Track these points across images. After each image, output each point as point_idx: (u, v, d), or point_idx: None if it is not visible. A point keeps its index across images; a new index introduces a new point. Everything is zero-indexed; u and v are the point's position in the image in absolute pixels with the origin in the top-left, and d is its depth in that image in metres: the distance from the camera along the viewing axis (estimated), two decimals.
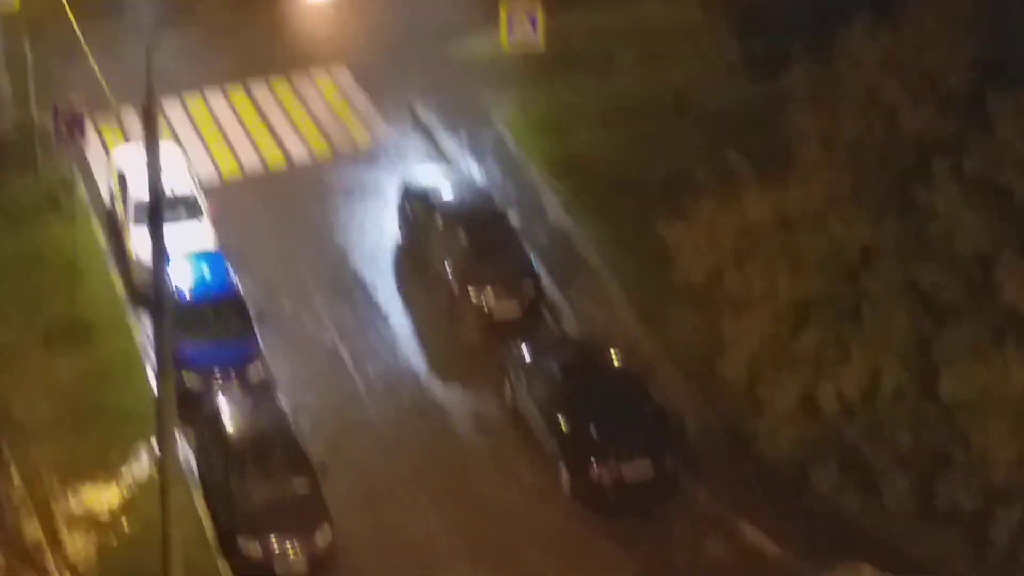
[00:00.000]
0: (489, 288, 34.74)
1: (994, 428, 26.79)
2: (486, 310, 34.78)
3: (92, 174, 38.88)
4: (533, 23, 38.44)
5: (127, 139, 39.12)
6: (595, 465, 30.10)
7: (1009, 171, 27.81)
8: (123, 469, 30.79)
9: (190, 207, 35.79)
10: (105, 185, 38.16)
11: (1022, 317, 26.86)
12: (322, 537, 29.03)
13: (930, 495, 28.15)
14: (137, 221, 34.95)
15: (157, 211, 22.11)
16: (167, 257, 23.73)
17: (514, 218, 36.52)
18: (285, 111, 41.73)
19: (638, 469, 30.26)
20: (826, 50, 31.15)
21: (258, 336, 33.27)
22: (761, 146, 32.53)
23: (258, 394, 32.18)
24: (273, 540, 28.88)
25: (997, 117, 28.10)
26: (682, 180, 33.25)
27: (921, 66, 29.82)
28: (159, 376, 23.31)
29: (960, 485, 27.61)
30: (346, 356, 34.03)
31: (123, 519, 29.70)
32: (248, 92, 42.25)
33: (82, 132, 35.65)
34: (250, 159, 40.07)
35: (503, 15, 38.48)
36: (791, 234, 30.14)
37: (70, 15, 40.95)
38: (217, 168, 39.61)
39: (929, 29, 29.93)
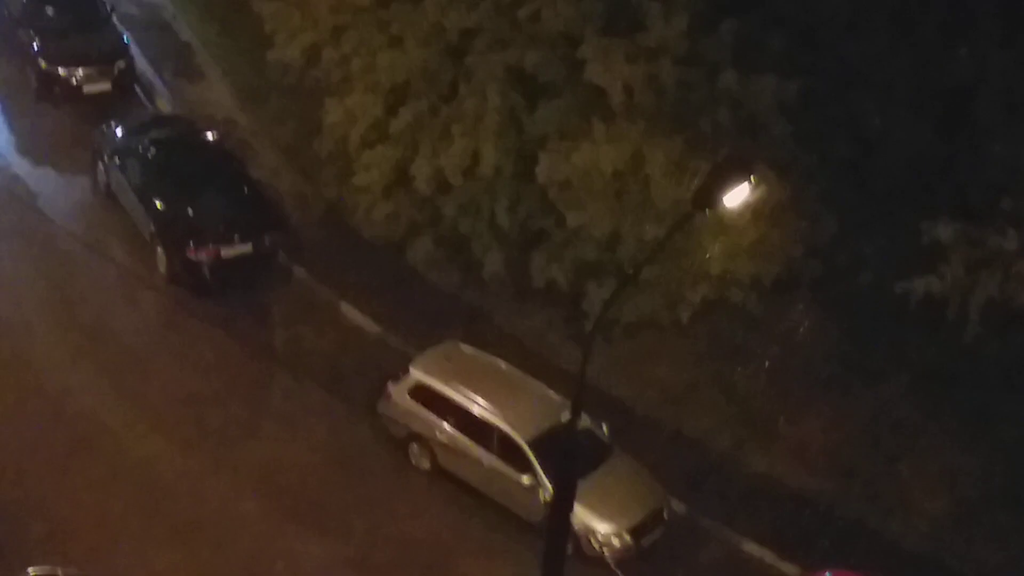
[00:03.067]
0: (79, 67, 33.64)
1: (586, 206, 27.51)
2: (75, 87, 33.68)
3: None
4: None
5: None
6: (192, 247, 29.70)
7: None
8: None
9: None
10: None
11: (608, 96, 27.38)
12: None
13: (526, 272, 28.89)
14: None
15: None
16: None
17: None
18: None
19: (237, 250, 30.04)
20: None
21: None
22: None
23: None
24: None
25: None
26: None
27: None
28: None
29: (555, 261, 28.39)
30: None
31: None
32: None
33: None
34: None
35: None
36: (387, 11, 29.92)
37: None
38: None
39: None
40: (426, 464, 26.84)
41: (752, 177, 20.28)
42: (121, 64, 34.07)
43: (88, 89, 33.70)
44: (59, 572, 22.85)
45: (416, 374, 26.95)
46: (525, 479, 25.63)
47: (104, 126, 32.19)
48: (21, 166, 32.42)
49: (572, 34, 27.88)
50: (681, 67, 27.29)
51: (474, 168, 28.55)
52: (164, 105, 34.18)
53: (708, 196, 20.01)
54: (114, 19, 34.88)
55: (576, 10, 27.76)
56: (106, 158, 31.65)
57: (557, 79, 28.27)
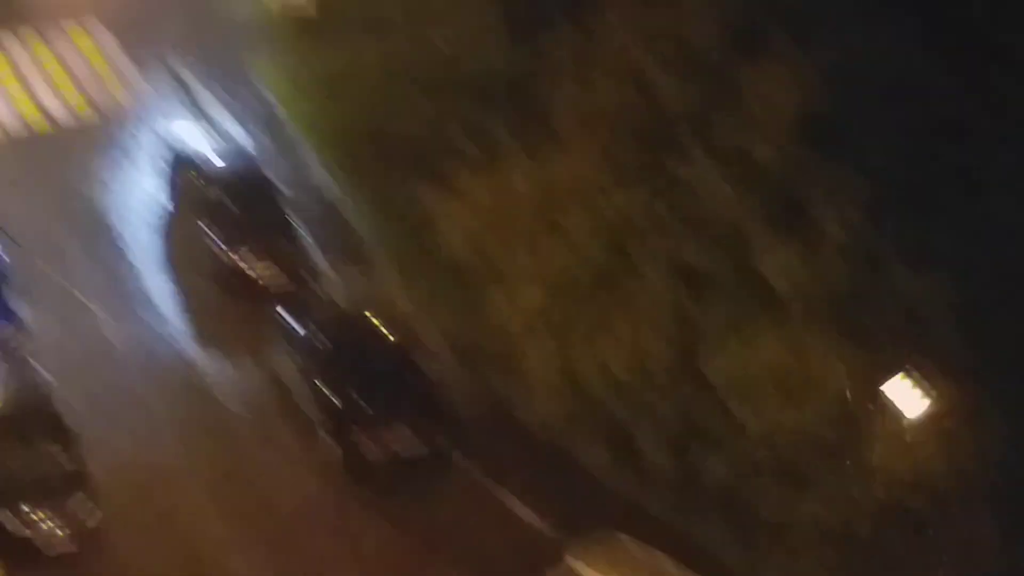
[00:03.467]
0: (252, 253, 34.44)
1: (752, 402, 27.41)
2: (249, 275, 34.45)
3: None
4: None
5: None
6: (362, 438, 30.04)
7: (757, 141, 28.35)
8: None
9: None
10: None
11: (775, 290, 27.45)
12: (81, 508, 28.49)
13: (690, 467, 28.74)
14: None
15: None
16: None
17: (279, 182, 36.18)
18: (38, 65, 40.60)
19: (405, 442, 30.31)
20: (586, 16, 31.33)
21: (10, 300, 32.42)
22: (523, 112, 32.63)
23: (12, 359, 31.41)
24: (27, 509, 28.16)
25: (745, 87, 28.60)
26: (446, 146, 33.25)
27: (674, 34, 30.13)
28: None
29: (719, 458, 28.24)
30: (105, 319, 33.38)
31: None
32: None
33: None
34: (3, 115, 38.97)
35: None
36: (552, 204, 30.39)
37: None
38: None
39: None
40: None
41: (920, 378, 20.14)
42: (295, 253, 34.78)
43: (263, 280, 34.38)
44: None
45: (575, 565, 26.83)
46: None
47: (276, 314, 32.79)
48: (197, 354, 33.14)
49: (738, 226, 28.05)
50: (849, 261, 27.29)
51: (638, 360, 28.64)
52: (335, 292, 34.77)
53: (876, 395, 19.87)
54: (288, 208, 35.68)
55: (742, 201, 27.97)
56: (280, 346, 32.22)
57: (722, 271, 28.39)
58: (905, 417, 24.96)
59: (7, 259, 33.28)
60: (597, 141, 30.27)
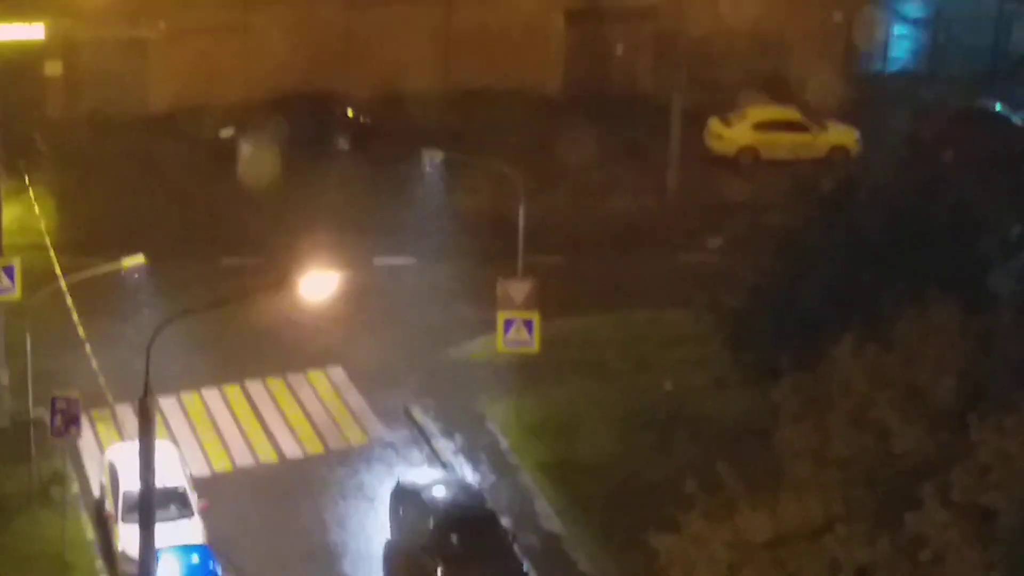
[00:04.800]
0: None
1: None
2: None
3: (84, 469, 38.92)
4: (529, 327, 39.11)
5: (121, 435, 39.26)
6: None
7: (994, 494, 27.87)
8: None
9: (180, 503, 35.78)
10: (97, 481, 38.16)
11: None
12: None
13: None
14: (127, 518, 34.88)
15: (148, 508, 22.14)
16: (156, 553, 23.66)
17: (506, 522, 36.48)
18: (279, 409, 42.04)
19: None
20: (816, 364, 31.52)
21: None
22: (752, 459, 32.61)
23: None
24: None
25: (980, 439, 28.26)
26: (674, 491, 33.24)
27: (909, 383, 30.09)
28: None
29: None
30: None
31: None
32: (244, 390, 42.61)
33: (78, 427, 35.82)
34: (243, 457, 40.21)
35: (500, 319, 39.15)
36: (784, 551, 30.02)
37: (72, 309, 41.56)
38: (209, 463, 39.70)
39: (917, 345, 30.32)
40: None
41: None
42: None
43: None
44: None
45: None
46: None
47: None
48: None
49: None
50: None
51: None
52: None
53: None
54: (516, 547, 35.84)
55: (981, 558, 27.36)
56: None
57: None
58: None
59: None
60: (831, 488, 30.01)
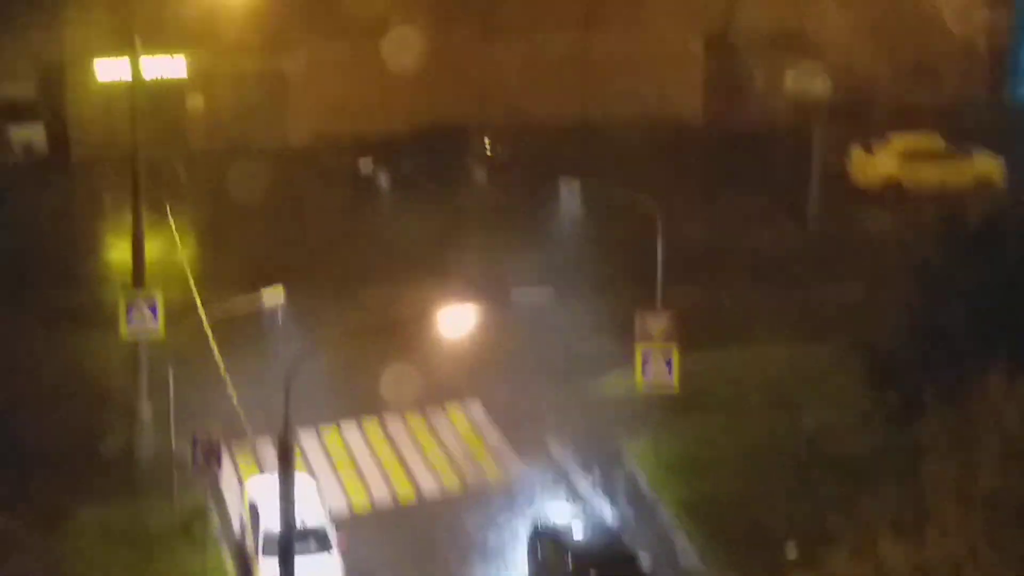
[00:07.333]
0: None
1: None
2: None
3: (225, 504, 39.17)
4: (668, 364, 38.70)
5: (261, 470, 39.48)
6: None
7: None
8: None
9: (320, 540, 35.80)
10: (236, 516, 38.37)
11: None
12: None
13: None
14: (266, 553, 34.96)
15: (288, 544, 22.06)
16: None
17: (645, 561, 36.08)
18: (418, 445, 42.04)
19: None
20: (962, 400, 30.91)
21: None
22: (896, 496, 32.04)
23: None
24: None
25: None
26: (816, 528, 32.79)
27: None
28: None
29: None
30: None
31: None
32: (383, 425, 42.67)
33: (219, 462, 36.03)
34: (381, 492, 40.21)
35: (638, 354, 38.82)
36: None
37: (213, 345, 41.91)
38: (348, 500, 39.75)
39: None
40: None
41: None
42: None
43: None
44: None
45: None
46: None
47: None
48: None
49: None
50: None
51: None
52: None
53: None
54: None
55: None
56: None
57: None
58: None
59: None
60: (978, 525, 29.39)
